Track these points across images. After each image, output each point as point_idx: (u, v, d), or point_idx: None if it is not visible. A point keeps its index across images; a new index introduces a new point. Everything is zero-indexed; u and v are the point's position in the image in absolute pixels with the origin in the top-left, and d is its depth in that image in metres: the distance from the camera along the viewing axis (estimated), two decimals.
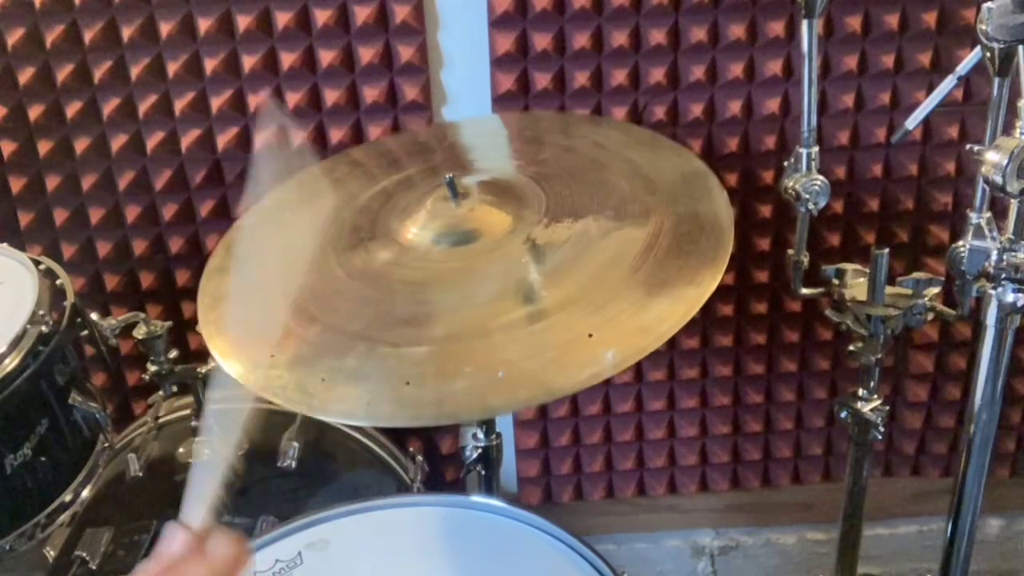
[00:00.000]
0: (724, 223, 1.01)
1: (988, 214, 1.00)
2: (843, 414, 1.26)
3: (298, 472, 1.29)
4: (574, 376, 0.86)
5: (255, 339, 0.94)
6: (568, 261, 0.98)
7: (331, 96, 1.41)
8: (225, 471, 0.69)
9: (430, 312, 0.97)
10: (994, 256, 0.98)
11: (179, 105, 1.41)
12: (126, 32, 1.36)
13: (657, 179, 1.10)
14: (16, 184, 1.46)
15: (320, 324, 0.96)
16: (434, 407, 0.87)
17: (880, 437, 1.25)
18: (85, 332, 1.24)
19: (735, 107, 1.42)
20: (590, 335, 0.89)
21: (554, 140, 1.26)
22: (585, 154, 1.20)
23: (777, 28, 1.37)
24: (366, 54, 1.38)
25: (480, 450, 1.23)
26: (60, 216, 1.48)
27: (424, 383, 0.88)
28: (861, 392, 1.24)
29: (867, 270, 1.18)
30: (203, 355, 1.25)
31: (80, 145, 1.44)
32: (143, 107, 1.41)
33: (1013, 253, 0.96)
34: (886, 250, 1.14)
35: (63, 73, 1.38)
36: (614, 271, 0.96)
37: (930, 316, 1.17)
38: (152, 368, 1.33)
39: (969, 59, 1.01)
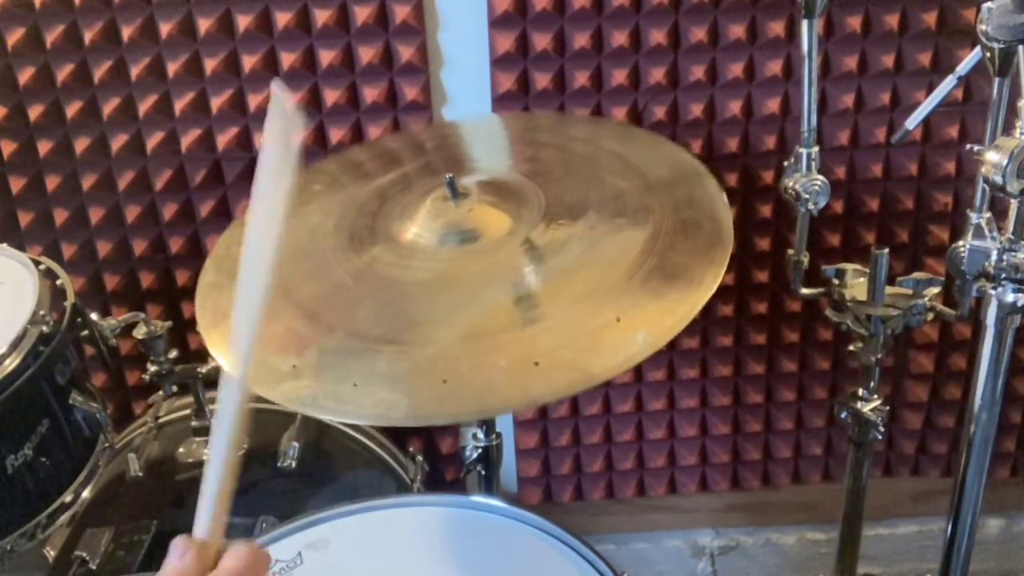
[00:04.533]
0: (719, 205, 1.03)
1: (988, 214, 1.00)
2: (843, 414, 1.26)
3: (298, 472, 1.29)
4: (610, 360, 0.87)
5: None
6: (575, 257, 0.98)
7: (331, 96, 1.41)
8: (226, 474, 0.66)
9: (447, 310, 0.96)
10: (994, 256, 0.98)
11: (179, 105, 1.41)
12: (126, 32, 1.36)
13: (648, 170, 1.11)
14: (16, 184, 1.46)
15: (340, 331, 0.95)
16: (476, 402, 0.87)
17: (880, 437, 1.25)
18: (85, 332, 1.23)
19: (735, 107, 1.42)
20: (618, 319, 0.90)
21: (546, 139, 1.26)
22: (575, 152, 1.21)
23: (777, 28, 1.37)
24: (366, 54, 1.38)
25: (480, 450, 1.23)
26: (60, 216, 1.48)
27: (461, 379, 0.87)
28: (861, 392, 1.24)
29: (867, 270, 1.18)
30: (203, 355, 1.25)
31: (80, 145, 1.44)
32: (143, 107, 1.41)
33: (1013, 253, 0.96)
34: (886, 250, 1.14)
35: (63, 73, 1.38)
36: (624, 262, 0.96)
37: (930, 316, 1.18)
38: (152, 368, 1.33)
39: (969, 59, 1.01)
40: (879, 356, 1.19)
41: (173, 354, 1.34)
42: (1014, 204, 0.94)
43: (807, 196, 1.12)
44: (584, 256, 0.99)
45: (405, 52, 1.38)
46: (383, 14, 1.36)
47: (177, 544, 0.63)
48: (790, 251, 1.21)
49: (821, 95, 1.40)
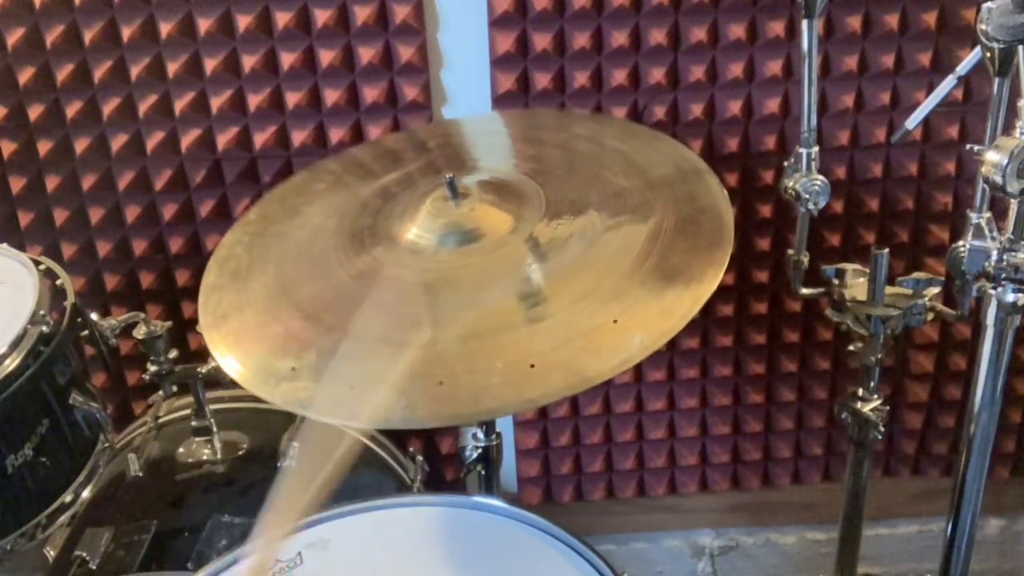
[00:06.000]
0: (721, 204, 1.02)
1: (988, 214, 1.00)
2: (843, 414, 1.26)
3: None
4: (606, 362, 0.87)
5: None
6: (576, 255, 0.98)
7: (331, 96, 1.41)
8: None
9: (445, 312, 0.96)
10: (994, 256, 0.98)
11: (179, 105, 1.41)
12: (126, 32, 1.36)
13: (650, 168, 1.10)
14: (16, 184, 1.46)
15: (338, 332, 0.95)
16: (472, 404, 0.87)
17: (880, 437, 1.25)
18: (85, 332, 1.23)
19: (735, 107, 1.42)
20: (615, 321, 0.89)
21: (549, 137, 1.26)
22: (576, 149, 1.20)
23: (777, 28, 1.37)
24: (366, 54, 1.38)
25: (480, 450, 1.23)
26: (60, 216, 1.48)
27: (458, 381, 0.88)
28: (861, 392, 1.24)
29: (867, 270, 1.18)
30: (203, 355, 1.25)
31: (80, 145, 1.44)
32: (143, 107, 1.41)
33: (1013, 253, 0.96)
34: (886, 250, 1.14)
35: (63, 73, 1.38)
36: (624, 261, 0.96)
37: (930, 316, 1.18)
38: (152, 368, 1.33)
39: (969, 59, 1.02)
40: (879, 356, 1.19)
41: (173, 354, 1.34)
42: (1014, 204, 0.94)
43: (807, 196, 1.12)
44: (585, 254, 0.98)
45: (405, 52, 1.38)
46: (383, 14, 1.36)
47: None
48: (790, 251, 1.21)
49: (821, 95, 1.40)
